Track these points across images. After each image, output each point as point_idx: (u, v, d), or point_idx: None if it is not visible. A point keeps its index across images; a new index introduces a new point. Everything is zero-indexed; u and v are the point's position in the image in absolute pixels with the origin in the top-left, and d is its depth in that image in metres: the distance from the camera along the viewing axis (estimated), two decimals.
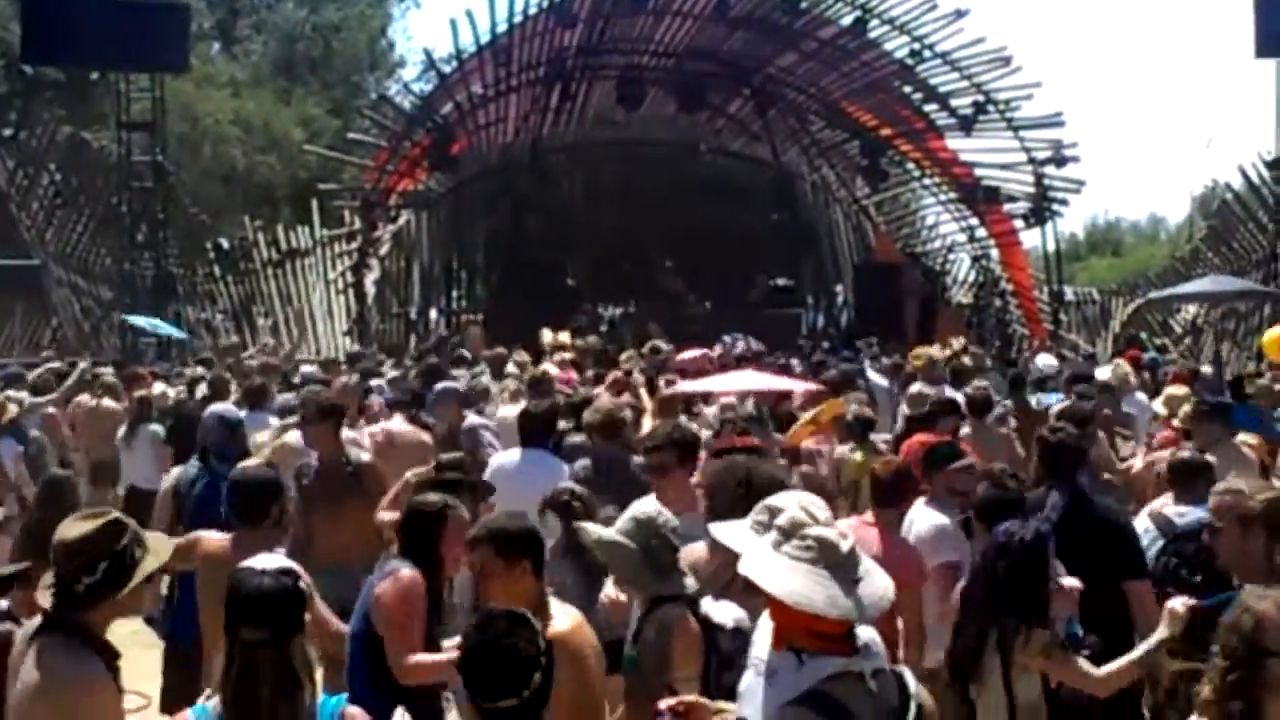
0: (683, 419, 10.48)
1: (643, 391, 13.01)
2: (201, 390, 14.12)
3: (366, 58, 57.51)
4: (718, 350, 19.35)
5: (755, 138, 32.55)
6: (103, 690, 4.22)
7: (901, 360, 17.16)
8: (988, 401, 12.30)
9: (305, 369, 16.24)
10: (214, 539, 6.68)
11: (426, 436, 10.55)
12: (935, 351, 15.70)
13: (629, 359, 16.72)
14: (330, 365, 18.20)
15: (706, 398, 12.70)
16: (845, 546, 3.78)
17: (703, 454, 7.95)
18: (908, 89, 29.02)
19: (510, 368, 15.68)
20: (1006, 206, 30.38)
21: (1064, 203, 30.01)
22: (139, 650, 8.60)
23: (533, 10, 25.91)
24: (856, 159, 31.46)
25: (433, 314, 33.03)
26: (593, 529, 5.60)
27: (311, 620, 4.65)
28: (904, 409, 12.50)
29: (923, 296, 30.04)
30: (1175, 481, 7.42)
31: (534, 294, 27.59)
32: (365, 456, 9.13)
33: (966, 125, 28.38)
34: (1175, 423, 10.73)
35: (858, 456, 10.22)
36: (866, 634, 3.91)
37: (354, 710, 3.80)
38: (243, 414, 11.30)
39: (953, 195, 32.01)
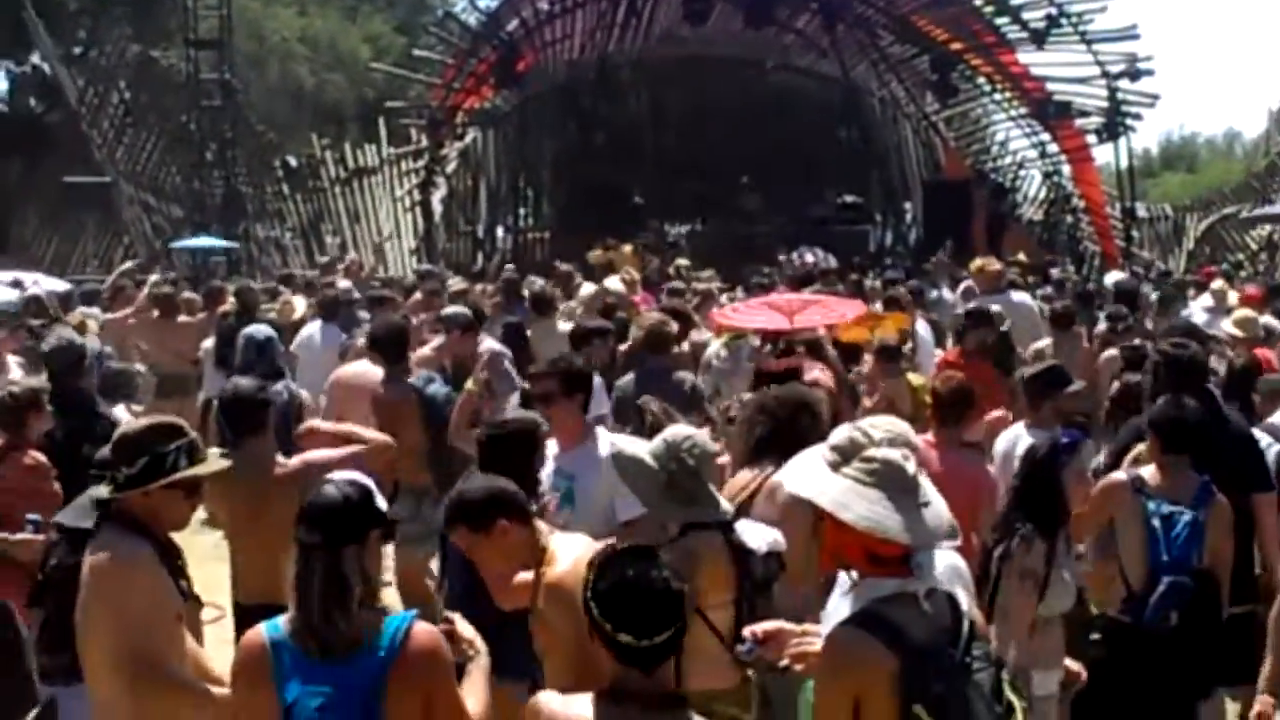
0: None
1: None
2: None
3: None
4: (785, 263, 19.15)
5: (823, 53, 32.18)
6: (143, 572, 4.37)
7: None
8: (1071, 315, 12.16)
9: (341, 283, 16.18)
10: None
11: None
12: (993, 262, 15.26)
13: (710, 278, 16.69)
14: (395, 284, 18.25)
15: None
16: (910, 468, 3.71)
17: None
18: (979, 2, 28.59)
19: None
20: (1079, 121, 29.94)
21: (1138, 117, 29.54)
22: (217, 563, 8.74)
23: None
24: (926, 74, 31.08)
25: (499, 232, 33.07)
26: (624, 443, 5.57)
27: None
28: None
29: (991, 213, 29.72)
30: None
31: (600, 212, 27.53)
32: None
33: (1039, 38, 27.94)
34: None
35: (914, 379, 10.11)
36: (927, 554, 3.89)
37: (422, 627, 3.78)
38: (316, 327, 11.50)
39: (1024, 110, 31.56)
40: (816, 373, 8.58)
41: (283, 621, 3.82)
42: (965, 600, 3.86)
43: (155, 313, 14.12)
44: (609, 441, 6.08)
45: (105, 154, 30.86)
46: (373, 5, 53.91)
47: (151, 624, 4.34)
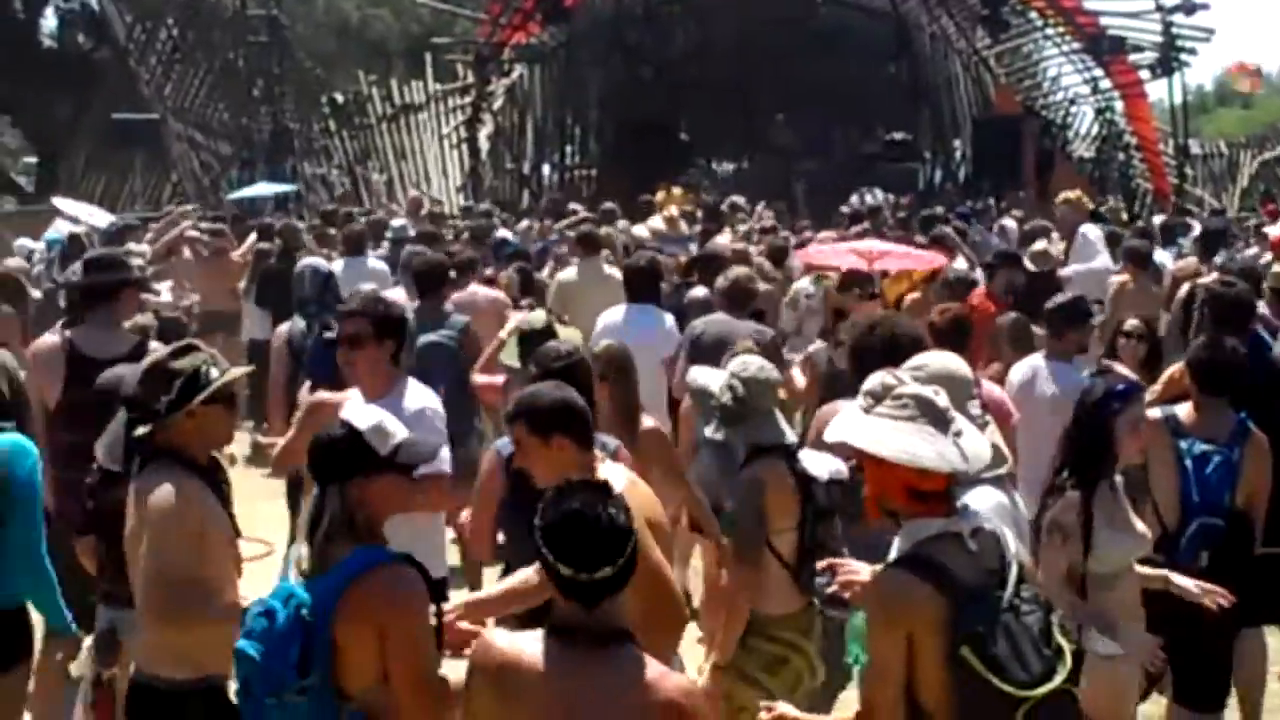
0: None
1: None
2: None
3: None
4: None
5: None
6: (193, 503, 4.42)
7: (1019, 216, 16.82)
8: (1148, 254, 11.96)
9: (395, 223, 16.17)
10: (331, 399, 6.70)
11: (501, 295, 10.56)
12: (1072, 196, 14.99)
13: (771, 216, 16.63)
14: (440, 219, 18.26)
15: None
16: (941, 401, 3.76)
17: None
18: None
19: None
20: (1132, 57, 29.60)
21: (1192, 52, 29.16)
22: (266, 501, 8.81)
23: None
24: (977, 9, 30.72)
25: (545, 169, 33.00)
26: (696, 373, 5.63)
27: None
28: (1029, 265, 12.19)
29: (1041, 150, 29.42)
30: None
31: (646, 149, 27.42)
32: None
33: None
34: None
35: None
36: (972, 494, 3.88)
37: (387, 566, 3.85)
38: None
39: (1076, 45, 31.19)
40: None
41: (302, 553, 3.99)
42: (1013, 540, 3.82)
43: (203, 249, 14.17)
44: (419, 394, 5.92)
45: (153, 91, 30.91)
46: None
47: (203, 554, 4.40)
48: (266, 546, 7.60)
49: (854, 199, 19.88)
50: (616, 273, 10.65)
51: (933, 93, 33.31)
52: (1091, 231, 13.27)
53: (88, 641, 5.59)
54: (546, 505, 3.48)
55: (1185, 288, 9.68)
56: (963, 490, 4.01)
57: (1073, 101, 33.05)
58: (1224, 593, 5.35)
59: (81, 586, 5.75)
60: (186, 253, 14.14)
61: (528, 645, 3.48)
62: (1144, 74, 29.95)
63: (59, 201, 18.03)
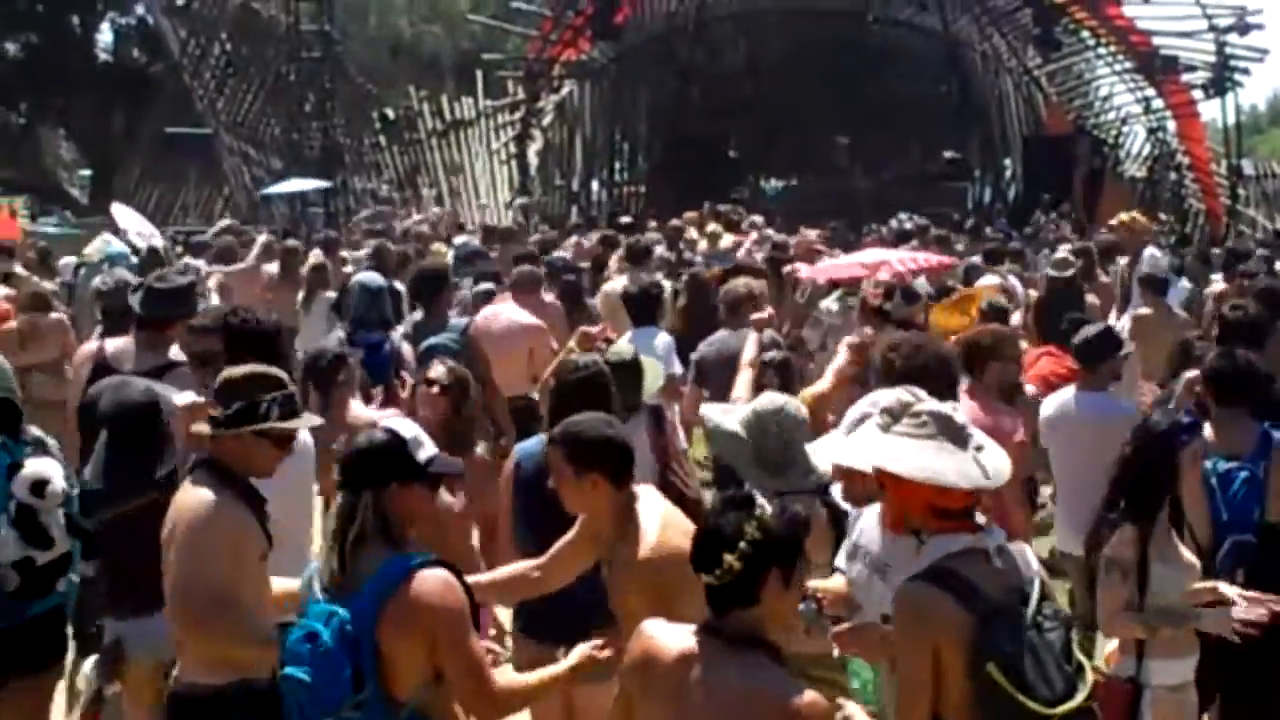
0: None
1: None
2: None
3: None
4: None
5: (924, 6, 31.79)
6: (227, 514, 4.43)
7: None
8: (1162, 281, 11.94)
9: (459, 239, 16.28)
10: (362, 414, 6.67)
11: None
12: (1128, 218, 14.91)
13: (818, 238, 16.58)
14: (491, 234, 18.32)
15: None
16: (959, 418, 3.78)
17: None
18: None
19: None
20: (1185, 76, 29.36)
21: (1245, 72, 28.87)
22: None
23: None
24: (1029, 27, 30.59)
25: (594, 185, 33.07)
26: (714, 415, 5.51)
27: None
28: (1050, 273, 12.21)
29: (1091, 170, 29.26)
30: None
31: (696, 166, 27.42)
32: None
33: None
34: None
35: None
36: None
37: (428, 573, 3.85)
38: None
39: (1129, 65, 30.99)
40: None
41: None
42: (1033, 559, 3.82)
43: (274, 268, 14.17)
44: None
45: (206, 105, 31.20)
46: None
47: (231, 566, 4.41)
48: None
49: (893, 222, 19.78)
50: (665, 284, 10.72)
51: (983, 112, 33.19)
52: (1156, 254, 13.22)
53: (86, 662, 5.61)
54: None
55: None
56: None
57: (1124, 121, 32.84)
58: (1273, 599, 5.27)
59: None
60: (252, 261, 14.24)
61: (672, 638, 3.58)
62: (1197, 94, 29.71)
63: (117, 209, 18.17)
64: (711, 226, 16.97)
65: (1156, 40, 29.16)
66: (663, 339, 9.28)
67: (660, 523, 4.39)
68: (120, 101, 41.01)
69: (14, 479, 5.27)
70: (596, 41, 30.05)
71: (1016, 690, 3.46)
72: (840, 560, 4.51)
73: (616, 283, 11.75)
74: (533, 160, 29.84)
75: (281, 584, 4.60)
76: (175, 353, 6.81)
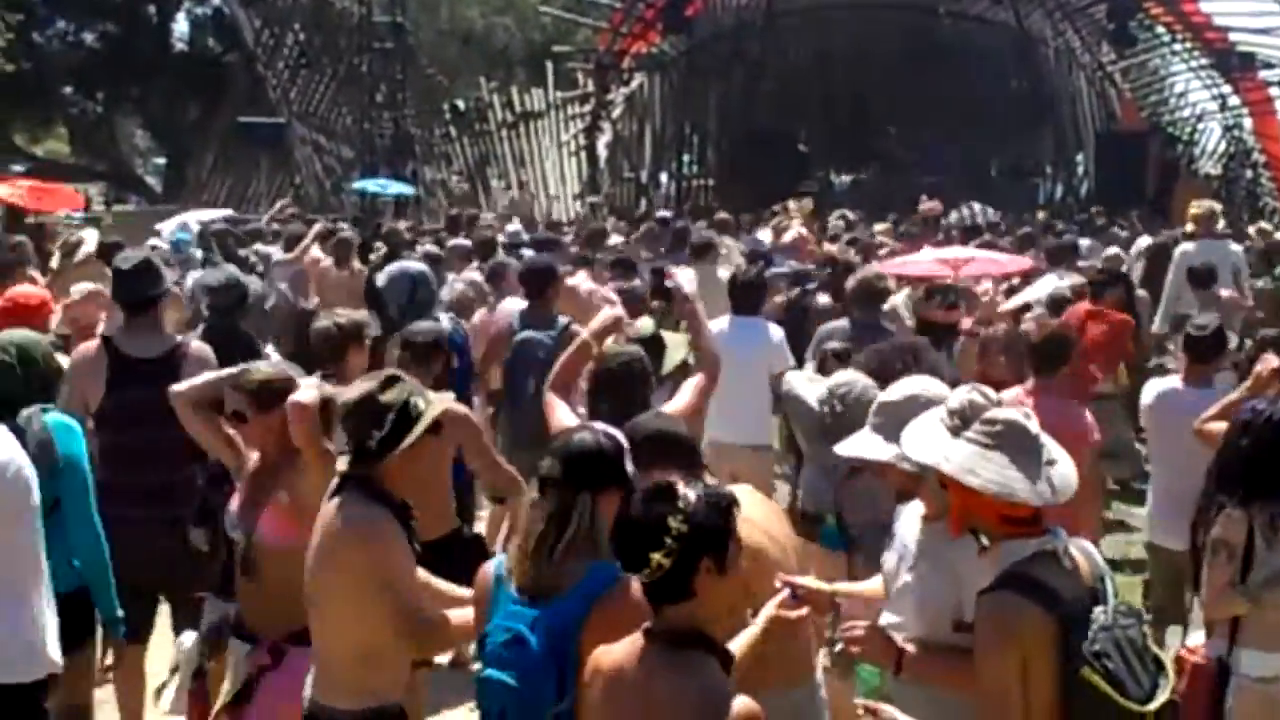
0: None
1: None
2: None
3: None
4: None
5: (996, 0, 31.59)
6: (395, 543, 4.32)
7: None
8: (1210, 273, 11.90)
9: (510, 228, 16.25)
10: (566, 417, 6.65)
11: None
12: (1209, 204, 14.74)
13: (885, 231, 16.56)
14: (557, 227, 18.40)
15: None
16: (1033, 428, 3.66)
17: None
18: None
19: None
20: (1262, 73, 29.07)
21: None
22: None
23: None
24: (1103, 23, 30.33)
25: (663, 178, 33.07)
26: (795, 383, 5.51)
27: None
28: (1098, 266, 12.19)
29: (1163, 167, 28.98)
30: None
31: (765, 160, 27.37)
32: None
33: None
34: None
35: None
36: None
37: (631, 581, 3.62)
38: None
39: (1205, 61, 30.70)
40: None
41: (506, 557, 3.90)
42: (1100, 558, 3.77)
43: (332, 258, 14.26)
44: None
45: (279, 95, 31.45)
46: None
47: (408, 581, 4.35)
48: None
49: (954, 215, 19.70)
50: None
51: (1055, 107, 32.93)
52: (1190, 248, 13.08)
53: (184, 636, 5.66)
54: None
55: None
56: None
57: (1200, 118, 32.54)
58: None
59: (133, 591, 5.82)
60: (316, 252, 14.30)
61: (617, 645, 3.48)
62: (1274, 90, 29.39)
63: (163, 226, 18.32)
64: (797, 223, 16.89)
65: (1233, 36, 28.91)
66: (774, 330, 9.24)
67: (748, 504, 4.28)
68: (195, 91, 41.39)
69: None
70: (667, 34, 30.07)
71: (1115, 691, 3.41)
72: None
73: (683, 274, 11.72)
74: (602, 153, 29.91)
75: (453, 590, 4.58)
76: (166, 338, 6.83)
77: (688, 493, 3.38)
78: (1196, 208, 14.55)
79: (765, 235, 16.49)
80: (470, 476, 7.02)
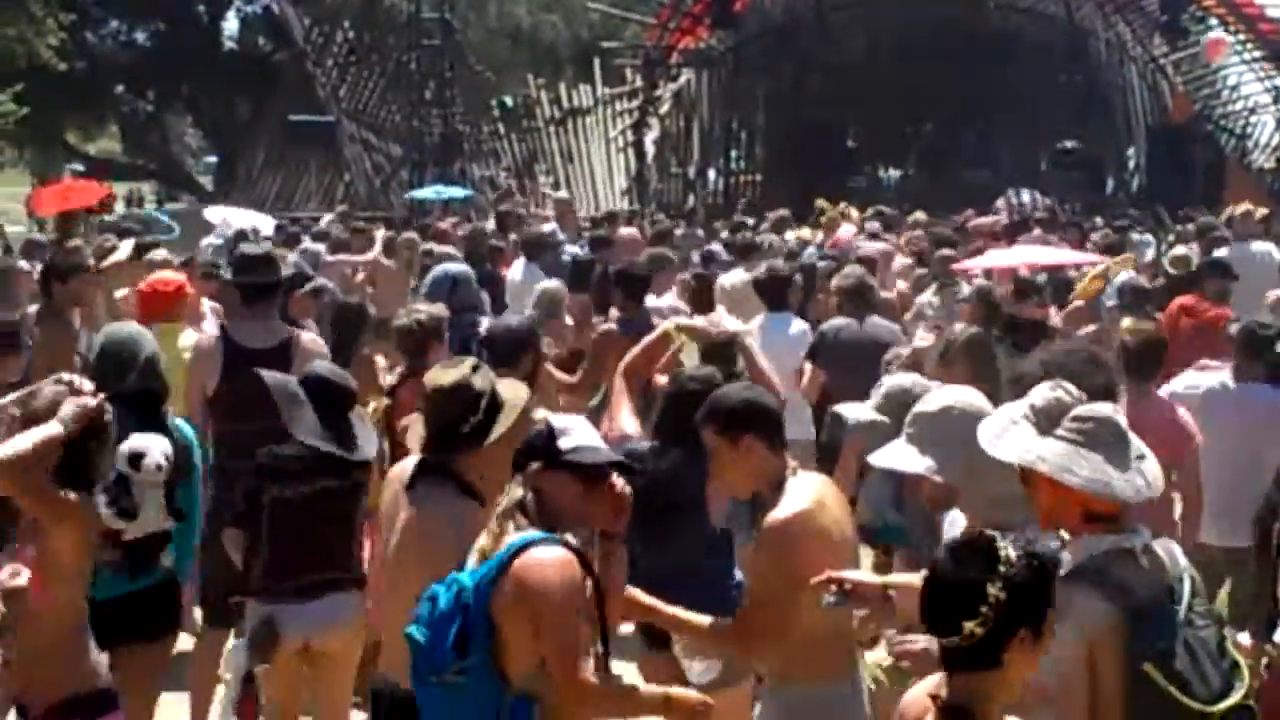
0: None
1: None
2: None
3: None
4: (1001, 212, 18.81)
5: None
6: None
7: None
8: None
9: (546, 225, 16.28)
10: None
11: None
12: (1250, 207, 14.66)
13: (913, 225, 16.48)
14: (612, 219, 18.40)
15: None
16: (1123, 422, 3.65)
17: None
18: None
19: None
20: None
21: None
22: None
23: None
24: (1155, 15, 30.10)
25: (710, 174, 33.02)
26: (849, 413, 5.47)
27: None
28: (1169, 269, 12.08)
29: (1213, 160, 28.71)
30: None
31: (813, 155, 27.30)
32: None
33: None
34: None
35: (1126, 323, 9.91)
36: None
37: (539, 551, 3.78)
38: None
39: (1258, 54, 30.40)
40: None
41: None
42: (1181, 557, 3.73)
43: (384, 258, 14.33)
44: None
45: (329, 93, 31.62)
46: None
47: None
48: None
49: (999, 202, 19.57)
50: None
51: (1107, 100, 32.67)
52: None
53: (234, 644, 5.69)
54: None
55: None
56: None
57: (1253, 111, 32.21)
58: None
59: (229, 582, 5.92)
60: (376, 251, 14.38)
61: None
62: None
63: (209, 212, 18.43)
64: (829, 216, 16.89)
65: None
66: (797, 325, 9.37)
67: (806, 496, 4.32)
68: (245, 89, 41.70)
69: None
70: (715, 30, 30.02)
71: (1176, 689, 3.39)
72: None
73: (732, 275, 11.72)
74: (649, 149, 29.86)
75: None
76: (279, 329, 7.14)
77: (1008, 550, 2.99)
78: (1234, 209, 14.50)
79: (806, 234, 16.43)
80: None
